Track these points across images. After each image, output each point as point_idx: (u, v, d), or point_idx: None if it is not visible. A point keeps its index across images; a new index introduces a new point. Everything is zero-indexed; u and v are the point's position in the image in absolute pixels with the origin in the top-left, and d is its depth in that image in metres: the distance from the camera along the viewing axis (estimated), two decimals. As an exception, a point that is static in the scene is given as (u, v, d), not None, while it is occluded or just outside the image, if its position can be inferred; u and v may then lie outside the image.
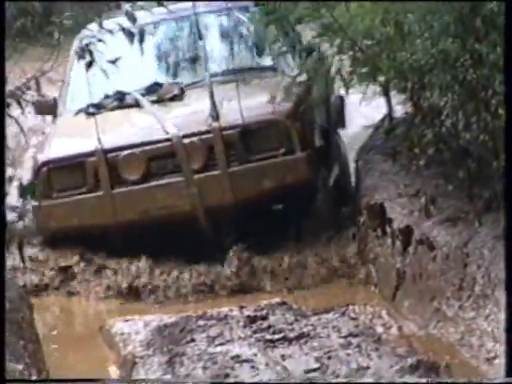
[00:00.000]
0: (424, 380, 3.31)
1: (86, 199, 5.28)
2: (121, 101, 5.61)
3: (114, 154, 5.25)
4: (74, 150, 5.40)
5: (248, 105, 5.21)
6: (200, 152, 5.21)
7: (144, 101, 5.57)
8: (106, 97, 5.65)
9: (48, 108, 5.94)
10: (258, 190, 5.19)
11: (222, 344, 3.72)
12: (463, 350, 3.67)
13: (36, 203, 4.96)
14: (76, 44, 5.43)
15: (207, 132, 5.20)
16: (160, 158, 5.29)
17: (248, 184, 5.20)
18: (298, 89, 5.38)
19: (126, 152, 5.24)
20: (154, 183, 5.28)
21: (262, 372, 3.43)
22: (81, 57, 4.01)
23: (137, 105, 5.58)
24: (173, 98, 5.60)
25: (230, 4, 5.87)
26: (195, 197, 5.14)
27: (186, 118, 5.50)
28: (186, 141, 5.18)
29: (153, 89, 5.69)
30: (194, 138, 5.21)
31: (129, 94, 5.64)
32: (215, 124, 5.17)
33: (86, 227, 5.25)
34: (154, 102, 5.57)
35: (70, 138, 5.70)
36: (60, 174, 5.33)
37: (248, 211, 5.18)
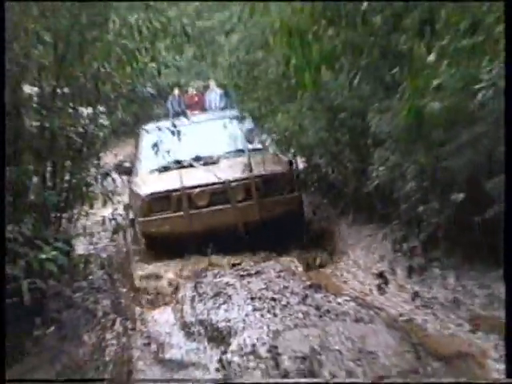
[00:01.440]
0: (425, 380, 4.17)
1: (173, 217, 8.29)
2: (180, 164, 8.86)
3: (190, 190, 8.25)
4: (163, 188, 8.38)
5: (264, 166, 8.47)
6: (241, 190, 8.33)
7: (196, 164, 8.87)
8: (169, 162, 8.82)
9: (125, 171, 8.97)
10: (274, 213, 8.29)
11: (220, 276, 7.14)
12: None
13: (142, 218, 8.29)
14: (144, 133, 9.19)
15: (246, 179, 8.26)
16: (217, 194, 8.28)
17: (268, 209, 8.29)
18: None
19: (197, 189, 8.32)
20: (213, 208, 8.28)
21: (239, 290, 6.68)
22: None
23: (191, 166, 8.80)
24: (213, 163, 8.90)
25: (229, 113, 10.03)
26: (237, 216, 8.21)
27: (228, 171, 8.59)
28: (233, 184, 8.29)
29: (197, 158, 8.99)
30: (237, 183, 8.33)
31: (183, 160, 8.91)
32: (251, 174, 8.24)
33: (172, 233, 8.21)
34: (201, 165, 8.86)
35: (156, 183, 8.64)
36: (155, 201, 8.30)
37: (267, 225, 8.16)
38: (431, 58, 4.89)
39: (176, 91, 15.94)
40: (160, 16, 6.77)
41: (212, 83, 15.58)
